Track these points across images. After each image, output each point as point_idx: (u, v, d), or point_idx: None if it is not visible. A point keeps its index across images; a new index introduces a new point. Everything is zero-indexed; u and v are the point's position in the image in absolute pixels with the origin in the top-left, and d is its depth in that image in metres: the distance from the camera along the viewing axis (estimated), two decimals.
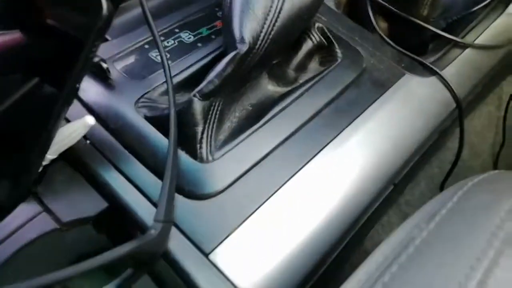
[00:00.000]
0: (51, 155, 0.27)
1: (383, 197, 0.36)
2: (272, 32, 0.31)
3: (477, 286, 0.18)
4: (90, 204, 0.28)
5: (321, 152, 0.33)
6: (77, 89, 0.22)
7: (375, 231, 0.47)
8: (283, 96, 0.36)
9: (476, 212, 0.22)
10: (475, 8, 0.48)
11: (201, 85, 0.30)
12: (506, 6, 0.49)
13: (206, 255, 0.26)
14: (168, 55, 0.36)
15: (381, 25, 0.46)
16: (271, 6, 0.31)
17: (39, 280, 0.20)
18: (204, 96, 0.30)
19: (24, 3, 0.22)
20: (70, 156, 0.28)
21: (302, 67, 0.38)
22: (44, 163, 0.27)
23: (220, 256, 0.26)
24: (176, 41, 0.38)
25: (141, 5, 0.30)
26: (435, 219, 0.22)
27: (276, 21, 0.31)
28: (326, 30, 0.39)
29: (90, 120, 0.27)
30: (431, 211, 0.22)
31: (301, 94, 0.36)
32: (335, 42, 0.39)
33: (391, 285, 0.19)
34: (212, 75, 0.30)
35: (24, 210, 0.27)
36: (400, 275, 0.20)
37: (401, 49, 0.43)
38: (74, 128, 0.27)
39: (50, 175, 0.28)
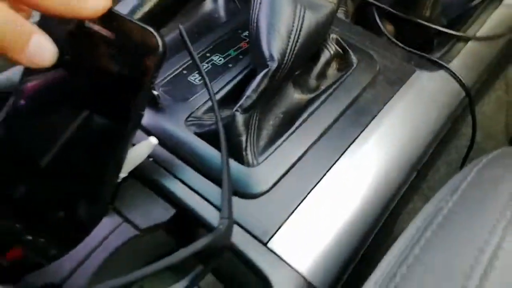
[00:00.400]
0: (123, 174, 0.32)
1: (408, 184, 0.40)
2: (296, 48, 0.36)
3: (496, 246, 0.22)
4: (161, 212, 0.33)
5: (349, 148, 0.38)
6: (142, 116, 0.27)
7: (401, 219, 0.51)
8: (309, 103, 0.41)
9: (491, 184, 0.26)
10: (473, 3, 0.52)
11: (241, 101, 0.35)
12: (501, 2, 0.53)
13: (265, 244, 0.31)
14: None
15: (388, 29, 0.51)
16: (293, 26, 0.36)
17: (135, 275, 0.25)
18: (245, 110, 0.35)
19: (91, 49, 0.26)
20: (138, 173, 0.33)
21: (322, 75, 0.43)
22: (117, 181, 0.32)
23: (276, 243, 0.31)
24: (209, 64, 0.43)
25: (181, 35, 0.35)
26: (457, 192, 0.26)
27: (298, 38, 0.36)
28: (340, 40, 0.44)
29: (154, 140, 0.32)
30: (454, 186, 0.27)
31: (325, 99, 0.40)
32: (349, 50, 0.44)
33: (427, 248, 0.23)
34: (249, 91, 0.35)
35: (107, 222, 0.32)
36: (432, 240, 0.24)
37: (409, 48, 0.47)
38: (141, 149, 0.32)
39: (124, 191, 0.33)
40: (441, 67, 0.45)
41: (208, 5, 0.61)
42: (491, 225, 0.23)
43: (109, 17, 0.24)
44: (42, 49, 0.21)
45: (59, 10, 0.20)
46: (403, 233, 0.27)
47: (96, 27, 0.24)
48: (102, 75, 0.26)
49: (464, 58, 0.47)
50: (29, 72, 0.26)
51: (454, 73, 0.45)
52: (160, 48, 0.24)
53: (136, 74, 0.25)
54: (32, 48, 0.20)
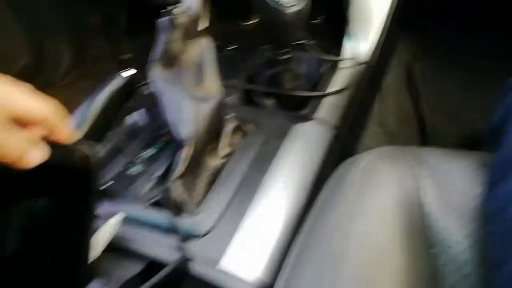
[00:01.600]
0: (97, 253, 0.41)
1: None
2: (202, 128, 0.51)
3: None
4: (133, 266, 0.42)
5: (260, 187, 0.51)
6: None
7: None
8: (223, 165, 0.54)
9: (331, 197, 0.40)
10: (321, 71, 0.72)
11: (173, 173, 0.47)
12: (338, 64, 0.74)
13: (217, 266, 0.41)
14: (142, 165, 0.54)
15: (268, 102, 0.68)
16: (196, 114, 0.51)
17: None
18: (178, 178, 0.47)
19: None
20: (110, 245, 0.43)
21: (230, 144, 0.58)
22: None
23: (224, 264, 0.42)
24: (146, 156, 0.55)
25: (119, 147, 0.47)
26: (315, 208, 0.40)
27: (200, 121, 0.51)
28: (235, 117, 0.59)
29: (120, 216, 0.42)
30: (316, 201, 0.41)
31: (236, 160, 0.54)
32: (245, 122, 0.59)
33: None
34: (176, 164, 0.48)
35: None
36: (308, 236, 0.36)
37: (285, 112, 0.64)
38: (109, 227, 0.42)
39: (97, 263, 0.42)
40: (310, 118, 0.62)
41: (134, 117, 0.75)
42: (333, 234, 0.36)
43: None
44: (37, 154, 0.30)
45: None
46: None
47: None
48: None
49: (325, 109, 0.65)
50: None
51: (320, 119, 0.62)
52: (92, 159, 0.31)
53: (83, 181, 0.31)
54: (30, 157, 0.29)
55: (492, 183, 0.39)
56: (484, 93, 1.14)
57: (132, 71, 0.66)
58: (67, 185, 0.31)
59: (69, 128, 0.32)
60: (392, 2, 0.82)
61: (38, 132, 0.31)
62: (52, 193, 0.31)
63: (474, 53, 1.19)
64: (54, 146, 0.30)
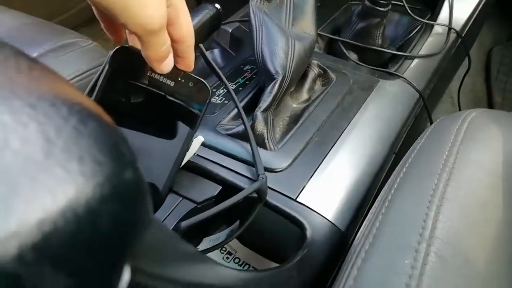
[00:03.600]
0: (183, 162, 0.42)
1: (390, 163, 0.52)
2: (292, 66, 0.49)
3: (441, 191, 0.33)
4: (211, 188, 0.42)
5: (341, 136, 0.50)
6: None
7: None
8: (304, 109, 0.53)
9: (434, 145, 0.39)
10: (411, 35, 0.69)
11: (260, 104, 0.47)
12: (432, 28, 0.71)
13: (295, 199, 0.41)
14: (224, 98, 0.53)
15: (352, 56, 0.66)
16: (288, 51, 0.49)
17: (199, 217, 0.34)
18: (263, 110, 0.46)
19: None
20: (188, 164, 0.43)
21: (311, 89, 0.56)
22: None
23: (303, 198, 0.41)
24: (224, 89, 0.55)
25: (210, 64, 0.47)
26: (411, 155, 0.38)
27: (293, 58, 0.49)
28: (320, 64, 0.58)
29: (201, 137, 0.43)
30: (410, 151, 0.39)
31: (317, 105, 0.53)
32: (328, 70, 0.58)
33: (393, 198, 0.34)
34: (265, 96, 0.47)
35: (169, 201, 0.41)
36: (396, 193, 0.35)
37: (371, 67, 0.62)
38: (194, 144, 0.43)
39: (177, 178, 0.43)
40: (397, 76, 0.60)
41: (213, 54, 0.76)
42: (435, 178, 0.34)
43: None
44: (170, 64, 0.33)
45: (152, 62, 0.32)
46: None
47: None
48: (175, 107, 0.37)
49: (413, 70, 0.62)
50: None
51: (407, 80, 0.59)
52: (210, 93, 0.36)
53: (196, 107, 0.37)
54: (165, 62, 0.32)
55: None
56: None
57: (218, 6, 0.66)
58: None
59: (193, 57, 0.34)
60: None
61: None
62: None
63: None
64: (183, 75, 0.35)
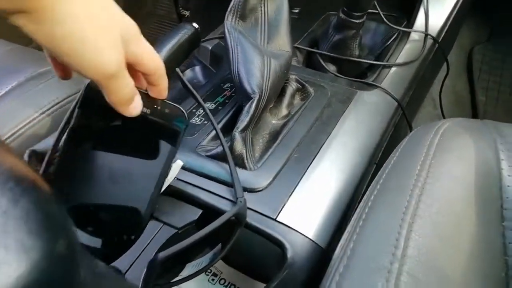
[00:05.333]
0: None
1: (371, 174, 0.53)
2: (269, 84, 0.50)
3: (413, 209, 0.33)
4: (191, 213, 0.42)
5: (321, 150, 0.50)
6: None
7: None
8: (284, 125, 0.53)
9: (407, 159, 0.39)
10: (388, 43, 0.70)
11: (237, 124, 0.47)
12: (409, 35, 0.72)
13: (275, 219, 0.41)
14: (203, 119, 0.54)
15: (331, 68, 0.67)
16: (264, 69, 0.50)
17: (176, 247, 0.34)
18: (241, 131, 0.47)
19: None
20: (169, 190, 0.43)
21: (290, 104, 0.57)
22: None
23: (283, 217, 0.41)
24: (203, 110, 0.55)
25: (186, 87, 0.47)
26: (388, 167, 0.39)
27: (269, 77, 0.50)
28: (298, 78, 0.58)
29: (180, 162, 0.43)
30: (387, 163, 0.39)
31: (296, 120, 0.53)
32: (306, 84, 0.58)
33: (370, 210, 0.35)
34: (242, 116, 0.47)
35: (149, 228, 0.41)
36: (373, 205, 0.35)
37: (349, 78, 0.62)
38: (173, 170, 0.43)
39: (159, 205, 0.43)
40: (375, 87, 0.60)
41: (188, 74, 0.76)
42: (407, 194, 0.34)
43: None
44: (137, 107, 0.32)
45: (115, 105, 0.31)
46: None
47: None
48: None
49: (391, 79, 0.63)
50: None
51: (385, 89, 0.60)
52: (187, 118, 0.37)
53: (176, 132, 0.37)
54: (132, 105, 0.32)
55: None
56: None
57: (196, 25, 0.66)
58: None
59: (165, 85, 0.34)
60: None
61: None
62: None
63: None
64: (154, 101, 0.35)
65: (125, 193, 0.36)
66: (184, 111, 0.36)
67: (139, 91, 0.33)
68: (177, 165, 0.43)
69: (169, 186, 0.44)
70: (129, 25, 0.30)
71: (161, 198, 0.43)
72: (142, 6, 1.11)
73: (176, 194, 0.44)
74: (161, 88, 0.35)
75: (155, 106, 0.36)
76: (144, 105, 0.36)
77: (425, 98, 0.86)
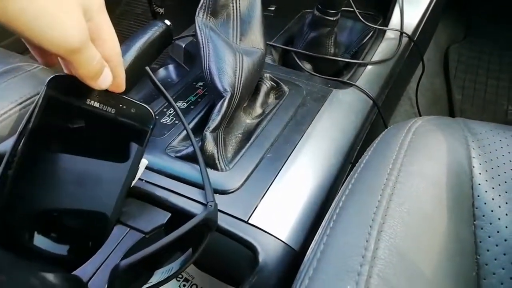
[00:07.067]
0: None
1: (346, 173, 0.52)
2: (241, 82, 0.48)
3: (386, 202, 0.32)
4: (159, 216, 0.41)
5: (295, 149, 0.49)
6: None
7: None
8: (258, 124, 0.52)
9: (378, 159, 0.38)
10: (364, 41, 0.70)
11: (208, 124, 0.45)
12: (384, 34, 0.71)
13: (246, 221, 0.40)
14: (174, 118, 0.52)
15: (306, 66, 0.66)
16: (236, 67, 0.49)
17: (139, 254, 0.32)
18: (212, 130, 0.45)
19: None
20: (135, 192, 0.42)
21: (264, 103, 0.56)
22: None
23: (255, 220, 0.40)
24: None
25: (156, 86, 0.46)
26: (359, 168, 0.38)
27: (242, 74, 0.49)
28: (273, 77, 0.57)
29: (145, 161, 0.41)
30: (357, 166, 0.39)
31: (270, 119, 0.52)
32: (281, 83, 0.57)
33: (343, 206, 0.34)
34: (213, 116, 0.46)
35: (116, 233, 0.39)
36: (345, 203, 0.35)
37: (325, 76, 0.62)
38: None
39: (125, 207, 0.41)
40: (350, 85, 0.60)
41: (161, 73, 0.74)
42: (378, 194, 0.34)
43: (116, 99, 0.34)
44: (107, 79, 0.30)
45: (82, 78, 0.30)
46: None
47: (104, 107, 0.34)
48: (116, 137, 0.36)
49: (366, 77, 0.62)
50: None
51: (360, 87, 0.59)
52: (154, 118, 0.35)
53: (143, 131, 0.35)
54: (102, 78, 0.30)
55: None
56: None
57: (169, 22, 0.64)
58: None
59: (123, 77, 0.32)
60: None
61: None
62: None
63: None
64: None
65: (89, 197, 0.35)
66: (151, 110, 0.35)
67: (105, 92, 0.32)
68: (142, 164, 0.41)
69: (137, 188, 0.42)
70: None
71: (128, 201, 0.42)
72: (117, 5, 1.08)
73: (144, 196, 0.42)
74: (119, 80, 0.33)
75: (120, 105, 0.35)
76: (109, 105, 0.34)
77: (402, 97, 0.86)
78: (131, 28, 1.12)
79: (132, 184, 0.41)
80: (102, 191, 0.35)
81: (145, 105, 0.35)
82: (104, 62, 0.30)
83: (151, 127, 0.35)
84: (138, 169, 0.37)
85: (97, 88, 0.31)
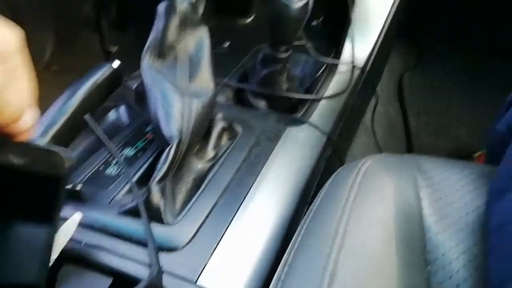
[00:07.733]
0: (53, 255, 0.36)
1: (304, 213, 0.51)
2: (191, 125, 0.47)
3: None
4: (100, 283, 0.37)
5: (248, 194, 0.47)
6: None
7: None
8: (211, 168, 0.50)
9: (329, 204, 0.38)
10: (317, 75, 0.70)
11: (154, 174, 0.43)
12: (337, 67, 0.72)
13: (194, 283, 0.37)
14: (119, 169, 0.49)
15: (261, 104, 0.65)
16: (183, 111, 0.47)
17: None
18: (159, 181, 0.43)
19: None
20: (72, 258, 0.38)
21: (217, 145, 0.54)
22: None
23: (203, 280, 0.38)
24: (122, 157, 0.51)
25: (100, 137, 0.43)
26: (308, 218, 0.37)
27: (190, 118, 0.47)
28: (224, 117, 0.56)
29: (78, 216, 0.37)
30: (308, 212, 0.38)
31: (222, 162, 0.51)
32: (234, 123, 0.56)
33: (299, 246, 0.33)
34: (160, 165, 0.44)
35: None
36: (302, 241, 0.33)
37: (278, 114, 0.61)
38: (67, 228, 0.37)
39: (61, 277, 0.37)
40: (303, 122, 0.59)
41: (111, 116, 0.71)
42: (330, 240, 0.33)
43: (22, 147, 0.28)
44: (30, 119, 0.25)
45: None
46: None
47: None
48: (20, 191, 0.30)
49: (320, 113, 0.62)
50: None
51: (314, 124, 0.59)
52: (67, 164, 0.30)
53: (55, 181, 0.30)
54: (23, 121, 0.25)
55: (497, 195, 0.37)
56: (470, 109, 1.16)
57: (118, 62, 0.62)
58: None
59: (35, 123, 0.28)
60: (392, 8, 0.81)
61: None
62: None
63: (461, 70, 1.20)
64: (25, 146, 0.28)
65: (6, 269, 0.31)
66: (63, 155, 0.29)
67: (5, 141, 0.26)
68: (73, 221, 0.37)
69: (76, 251, 0.39)
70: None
71: (64, 268, 0.38)
72: (73, 43, 1.05)
73: (83, 260, 0.39)
74: (28, 131, 0.26)
75: (30, 154, 0.30)
76: (16, 155, 0.30)
77: (358, 129, 0.87)
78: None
79: (63, 246, 0.37)
80: (21, 259, 0.31)
81: (57, 151, 0.30)
82: (24, 99, 0.24)
83: (67, 175, 0.30)
84: (58, 225, 0.32)
85: (19, 135, 0.26)
